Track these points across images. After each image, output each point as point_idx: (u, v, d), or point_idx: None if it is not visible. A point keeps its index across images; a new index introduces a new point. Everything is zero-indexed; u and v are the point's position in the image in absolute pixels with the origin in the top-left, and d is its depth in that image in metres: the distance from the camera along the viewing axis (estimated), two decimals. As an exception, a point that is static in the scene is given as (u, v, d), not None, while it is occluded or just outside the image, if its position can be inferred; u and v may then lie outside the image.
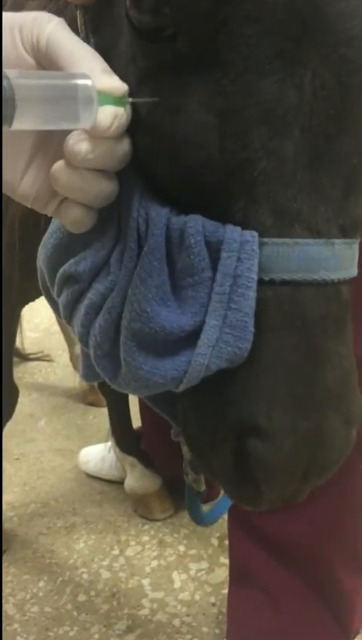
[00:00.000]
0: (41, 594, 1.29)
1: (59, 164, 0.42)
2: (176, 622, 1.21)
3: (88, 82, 0.39)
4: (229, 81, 0.39)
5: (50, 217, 0.50)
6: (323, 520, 1.00)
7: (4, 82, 0.37)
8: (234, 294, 0.41)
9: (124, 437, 1.53)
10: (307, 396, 0.42)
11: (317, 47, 0.38)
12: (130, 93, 0.42)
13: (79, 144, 0.40)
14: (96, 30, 0.48)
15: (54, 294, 0.51)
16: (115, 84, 0.41)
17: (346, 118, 0.40)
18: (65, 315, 0.50)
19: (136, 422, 1.53)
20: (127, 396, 1.47)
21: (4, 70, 0.38)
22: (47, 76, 0.40)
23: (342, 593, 1.03)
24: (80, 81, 0.39)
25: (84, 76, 0.39)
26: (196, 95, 0.40)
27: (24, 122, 0.39)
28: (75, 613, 1.24)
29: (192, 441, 0.48)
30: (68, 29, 0.42)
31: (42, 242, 0.51)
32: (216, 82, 0.39)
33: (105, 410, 1.59)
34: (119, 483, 1.57)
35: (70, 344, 2.05)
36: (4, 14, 0.42)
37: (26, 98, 0.38)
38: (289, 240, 0.40)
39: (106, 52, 0.43)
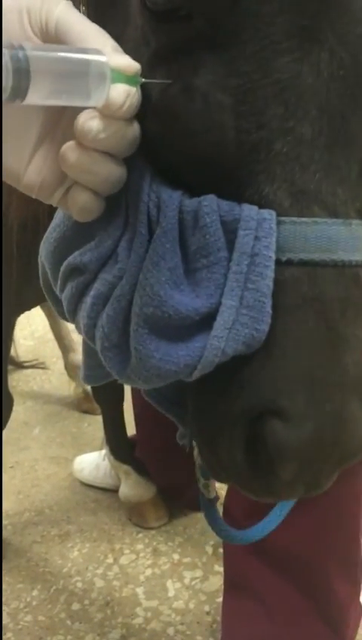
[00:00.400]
0: (34, 603, 1.29)
1: (68, 144, 0.41)
2: (171, 630, 1.21)
3: (102, 58, 0.38)
4: (245, 60, 0.38)
5: (48, 223, 0.50)
6: (317, 528, 1.00)
7: (20, 53, 0.36)
8: (252, 274, 0.40)
9: (118, 445, 1.53)
10: (327, 379, 0.40)
11: (334, 25, 0.37)
12: (142, 76, 0.41)
13: (90, 122, 0.39)
14: (98, 13, 0.48)
15: (57, 289, 0.50)
16: (127, 61, 0.40)
17: (361, 99, 0.40)
18: (69, 309, 0.48)
19: (131, 430, 1.53)
20: (121, 404, 1.47)
21: (22, 42, 0.37)
22: (60, 50, 0.39)
23: (335, 602, 1.03)
24: (94, 57, 0.38)
25: (98, 52, 0.39)
26: (211, 75, 0.40)
27: (36, 96, 0.38)
28: (68, 622, 1.23)
29: (202, 433, 0.46)
30: (76, 10, 0.42)
31: (44, 238, 0.50)
32: (231, 61, 0.39)
33: (99, 418, 1.59)
34: (113, 491, 1.57)
35: (65, 352, 2.05)
36: None
37: (39, 71, 0.37)
38: (308, 219, 0.40)
39: (112, 36, 0.43)
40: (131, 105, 0.40)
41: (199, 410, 0.46)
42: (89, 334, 0.46)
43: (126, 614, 1.25)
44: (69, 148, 0.41)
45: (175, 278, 0.41)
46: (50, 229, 0.50)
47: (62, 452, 1.80)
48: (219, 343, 0.40)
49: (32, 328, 2.52)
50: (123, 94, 0.39)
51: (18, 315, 1.15)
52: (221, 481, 0.48)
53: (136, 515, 1.50)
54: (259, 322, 0.40)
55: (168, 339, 0.42)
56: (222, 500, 1.04)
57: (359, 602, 1.10)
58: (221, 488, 1.19)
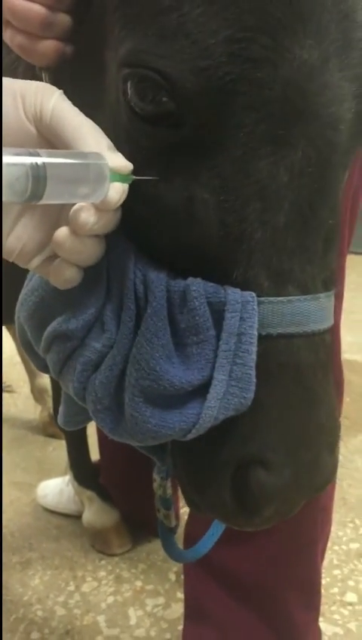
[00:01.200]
0: (-7, 632, 1.26)
1: (63, 232, 0.44)
2: (131, 659, 1.20)
3: (104, 162, 0.42)
4: (228, 163, 0.43)
5: None
6: (277, 555, 1.01)
7: (38, 160, 0.39)
8: (239, 350, 0.45)
9: (82, 470, 1.52)
10: (305, 433, 0.47)
11: (306, 130, 0.43)
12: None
13: (88, 217, 0.43)
14: (76, 79, 0.51)
15: (39, 350, 0.53)
16: (123, 163, 0.44)
17: (326, 189, 0.46)
18: (55, 370, 0.52)
19: (95, 455, 1.53)
20: (85, 429, 1.47)
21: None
22: (67, 155, 0.42)
23: (294, 629, 1.03)
24: (97, 161, 0.42)
25: (98, 156, 0.42)
26: (196, 175, 0.44)
27: (45, 198, 0.40)
28: (27, 652, 1.21)
29: (190, 476, 0.52)
30: (69, 101, 0.44)
31: (21, 299, 0.54)
32: (215, 165, 0.44)
33: (65, 443, 1.59)
34: (77, 517, 1.56)
35: (31, 376, 2.04)
36: (6, 80, 0.44)
37: (52, 176, 0.40)
38: (284, 298, 0.46)
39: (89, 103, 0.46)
40: (123, 199, 0.44)
41: (188, 458, 0.52)
42: (79, 396, 0.50)
43: (86, 643, 1.23)
44: (64, 235, 0.44)
45: (167, 353, 0.46)
46: (27, 291, 0.53)
47: (26, 477, 1.78)
48: (213, 412, 0.46)
49: (-2, 351, 2.50)
50: (119, 193, 0.43)
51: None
52: (202, 515, 0.54)
53: (99, 542, 1.49)
54: (246, 391, 0.46)
55: (162, 407, 0.46)
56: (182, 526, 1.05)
57: (317, 628, 1.11)
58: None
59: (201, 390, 0.46)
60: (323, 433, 0.49)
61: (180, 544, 0.81)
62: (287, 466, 0.47)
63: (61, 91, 0.44)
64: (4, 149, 0.38)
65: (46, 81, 0.51)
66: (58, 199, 0.41)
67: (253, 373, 0.46)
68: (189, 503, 0.55)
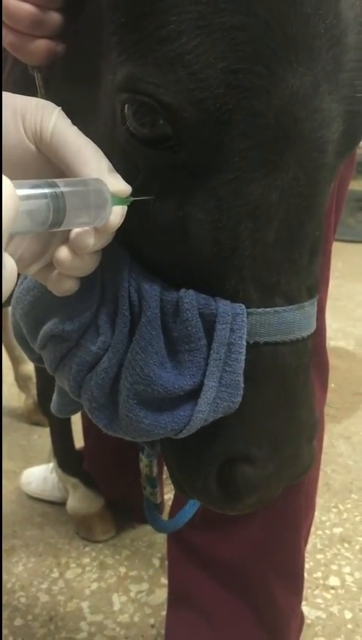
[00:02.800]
0: (-24, 619, 1.26)
1: (64, 252, 0.45)
2: (115, 645, 1.20)
3: (106, 189, 0.42)
4: (223, 186, 0.45)
5: None
6: (260, 539, 1.01)
7: (57, 190, 0.39)
8: (229, 359, 0.48)
9: (66, 457, 1.51)
10: (287, 431, 0.51)
11: (296, 154, 0.44)
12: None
13: (89, 239, 0.44)
14: (52, 89, 0.52)
15: (35, 347, 0.55)
16: (123, 187, 0.45)
17: (313, 205, 0.48)
18: (50, 368, 0.55)
19: (79, 442, 1.52)
20: (69, 417, 1.46)
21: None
22: (77, 183, 0.42)
23: (277, 612, 1.04)
24: (98, 187, 0.42)
25: (100, 183, 0.43)
26: (191, 196, 0.46)
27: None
28: (10, 639, 1.21)
29: (180, 467, 0.55)
30: (68, 120, 0.44)
31: (16, 297, 0.56)
32: (210, 187, 0.45)
33: (49, 430, 1.58)
34: (61, 504, 1.56)
35: (15, 363, 2.02)
36: (6, 95, 0.43)
37: (69, 206, 0.40)
38: (271, 309, 0.48)
39: (69, 112, 0.46)
40: (122, 221, 0.45)
41: (178, 451, 0.55)
42: (75, 393, 0.53)
43: (70, 629, 1.23)
44: (65, 255, 0.45)
45: (161, 359, 0.48)
46: (22, 290, 0.55)
47: (10, 465, 1.77)
48: (203, 415, 0.49)
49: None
50: (119, 217, 0.44)
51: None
52: (189, 498, 0.59)
53: (83, 529, 1.49)
54: (234, 396, 0.49)
55: (155, 409, 0.49)
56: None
57: (301, 612, 1.12)
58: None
59: (192, 394, 0.49)
60: (304, 429, 0.53)
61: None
62: (270, 461, 0.51)
63: (60, 109, 0.44)
64: (21, 181, 0.38)
65: (38, 80, 0.51)
66: (66, 226, 0.42)
67: (241, 379, 0.48)
68: (176, 486, 0.57)
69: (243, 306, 0.48)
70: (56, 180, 0.40)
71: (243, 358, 0.48)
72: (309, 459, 0.55)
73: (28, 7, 0.47)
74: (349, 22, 0.44)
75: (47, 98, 0.51)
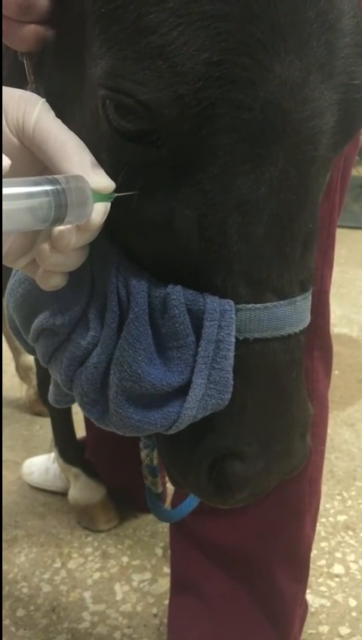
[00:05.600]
0: (-22, 610, 1.25)
1: (46, 250, 0.44)
2: (117, 634, 1.19)
3: (87, 186, 0.41)
4: (208, 180, 0.43)
5: None
6: (263, 526, 1.00)
7: (60, 188, 0.39)
8: (217, 356, 0.47)
9: (67, 447, 1.50)
10: (278, 427, 0.51)
11: (285, 147, 0.42)
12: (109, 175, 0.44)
13: (70, 237, 0.43)
14: (43, 76, 0.50)
15: (28, 339, 0.55)
16: (106, 183, 0.44)
17: (305, 198, 0.46)
18: (43, 361, 0.54)
19: (81, 431, 1.51)
20: (70, 407, 1.45)
21: (58, 176, 0.40)
22: (43, 182, 0.41)
23: (281, 600, 1.03)
24: (79, 185, 0.41)
25: (81, 180, 0.41)
26: (177, 190, 0.44)
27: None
28: (12, 629, 1.21)
29: (173, 461, 0.55)
30: (52, 112, 0.43)
31: (9, 289, 0.55)
32: (195, 181, 0.43)
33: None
34: (63, 494, 1.55)
35: (16, 354, 2.01)
36: None
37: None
38: (261, 305, 0.47)
39: (59, 100, 0.46)
40: (105, 217, 0.44)
41: (171, 446, 0.54)
42: (66, 387, 0.53)
43: (72, 619, 1.23)
44: (46, 252, 0.44)
45: (149, 355, 0.47)
46: (14, 282, 0.55)
47: (11, 455, 1.76)
48: (191, 412, 0.48)
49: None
50: (101, 214, 0.43)
51: None
52: (183, 490, 0.58)
53: (85, 518, 1.48)
54: (223, 393, 0.48)
55: (144, 405, 0.49)
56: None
57: (305, 600, 1.11)
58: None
59: (181, 391, 0.48)
60: (295, 425, 0.52)
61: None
62: (261, 457, 0.50)
63: (44, 100, 0.43)
64: (22, 179, 0.38)
65: (27, 67, 0.50)
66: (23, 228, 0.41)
67: (230, 376, 0.48)
68: (172, 480, 0.57)
69: (232, 303, 0.46)
70: (37, 178, 0.40)
71: (231, 355, 0.47)
72: (302, 454, 0.54)
73: None
74: (344, 5, 0.42)
75: (37, 85, 0.50)
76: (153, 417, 0.49)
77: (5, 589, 1.31)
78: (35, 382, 1.90)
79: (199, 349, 0.47)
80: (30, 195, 0.38)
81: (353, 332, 2.58)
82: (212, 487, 0.51)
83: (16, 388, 2.07)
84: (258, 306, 0.47)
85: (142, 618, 1.23)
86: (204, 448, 0.51)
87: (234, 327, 0.47)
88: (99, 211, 0.43)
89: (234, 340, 0.47)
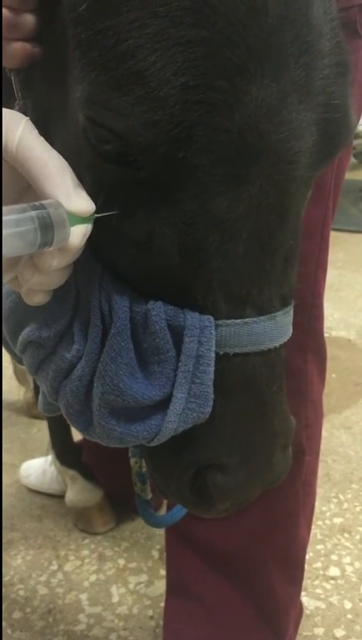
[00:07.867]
0: (-26, 612, 1.26)
1: (28, 271, 0.44)
2: (113, 636, 1.20)
3: (62, 211, 0.42)
4: (188, 200, 0.44)
5: None
6: (258, 529, 1.00)
7: (45, 213, 0.40)
8: (197, 371, 0.48)
9: (64, 450, 1.51)
10: (259, 440, 0.51)
11: (263, 167, 0.43)
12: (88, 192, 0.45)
13: (51, 260, 0.43)
14: (31, 91, 0.51)
15: (15, 350, 0.56)
16: (85, 206, 0.43)
17: (285, 216, 0.46)
18: (31, 372, 0.55)
19: (78, 434, 1.51)
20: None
21: (43, 202, 0.41)
22: (20, 209, 0.41)
23: (276, 601, 1.03)
24: (55, 211, 0.41)
25: (58, 205, 0.42)
26: (157, 210, 0.45)
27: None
28: (9, 631, 1.21)
29: (156, 471, 0.56)
30: (35, 131, 0.43)
31: None
32: (175, 201, 0.44)
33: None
34: (60, 497, 1.55)
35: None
36: None
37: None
38: (240, 321, 0.48)
39: (46, 115, 0.46)
40: (85, 240, 0.44)
41: (155, 457, 0.56)
42: (52, 398, 0.54)
43: (68, 621, 1.23)
44: (28, 273, 0.45)
45: (131, 370, 0.48)
46: (1, 294, 0.56)
47: (9, 458, 1.76)
48: (172, 425, 0.49)
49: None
50: (80, 237, 0.43)
51: None
52: (169, 500, 0.60)
53: (82, 521, 1.49)
54: (204, 407, 0.49)
55: (127, 418, 0.50)
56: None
57: (300, 602, 1.11)
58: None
59: (163, 405, 0.49)
60: (276, 437, 0.52)
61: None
62: (241, 469, 0.51)
63: (27, 119, 0.44)
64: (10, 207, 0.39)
65: (15, 83, 0.50)
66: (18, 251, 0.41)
67: (211, 390, 0.48)
68: (158, 489, 0.58)
69: (212, 319, 0.47)
70: (46, 202, 0.41)
71: (211, 370, 0.48)
72: (284, 465, 0.55)
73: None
74: (323, 27, 0.43)
75: (24, 101, 0.51)
76: (135, 430, 0.49)
77: (2, 591, 1.31)
78: (32, 385, 1.90)
79: (179, 364, 0.48)
80: (18, 223, 0.39)
81: (350, 335, 2.59)
82: (195, 497, 0.52)
83: (13, 391, 2.07)
84: (237, 321, 0.48)
85: (139, 620, 1.23)
86: (186, 460, 0.52)
87: (213, 342, 0.47)
88: (78, 234, 0.43)
89: (213, 355, 0.48)
